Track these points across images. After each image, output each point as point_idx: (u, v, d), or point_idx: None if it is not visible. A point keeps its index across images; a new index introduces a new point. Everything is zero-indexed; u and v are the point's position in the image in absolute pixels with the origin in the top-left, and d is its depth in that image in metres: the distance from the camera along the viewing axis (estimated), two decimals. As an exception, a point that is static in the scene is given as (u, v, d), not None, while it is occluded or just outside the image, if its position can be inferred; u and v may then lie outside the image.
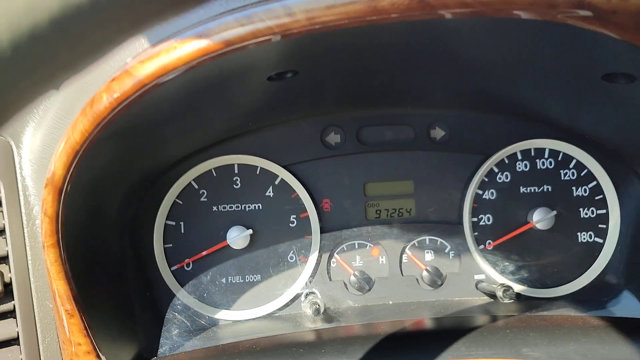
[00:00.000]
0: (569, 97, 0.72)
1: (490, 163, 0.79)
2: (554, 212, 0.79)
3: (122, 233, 0.73)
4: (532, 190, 0.80)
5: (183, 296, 0.76)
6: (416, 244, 0.80)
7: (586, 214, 0.81)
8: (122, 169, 0.68)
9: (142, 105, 0.51)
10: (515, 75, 0.67)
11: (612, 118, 0.72)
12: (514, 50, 0.60)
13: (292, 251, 0.79)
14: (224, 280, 0.78)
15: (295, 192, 0.78)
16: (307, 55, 0.58)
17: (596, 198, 0.81)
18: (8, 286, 0.60)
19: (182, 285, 0.77)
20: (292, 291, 0.78)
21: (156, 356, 0.69)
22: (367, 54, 0.60)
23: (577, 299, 0.78)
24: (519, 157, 0.81)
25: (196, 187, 0.78)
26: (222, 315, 0.77)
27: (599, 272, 0.80)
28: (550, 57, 0.60)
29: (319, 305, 0.72)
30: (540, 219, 0.78)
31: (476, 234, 0.80)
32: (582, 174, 0.81)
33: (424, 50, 0.62)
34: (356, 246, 0.80)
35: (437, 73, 0.69)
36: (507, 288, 0.73)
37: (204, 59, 0.45)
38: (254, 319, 0.77)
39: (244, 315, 0.77)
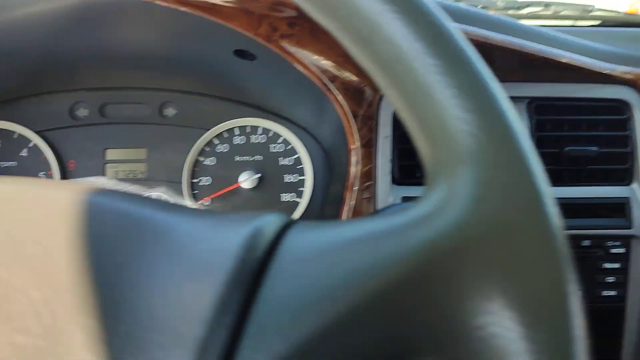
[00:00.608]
0: (255, 82, 0.93)
1: (208, 135, 0.98)
2: (258, 175, 0.97)
3: None
4: (246, 159, 0.99)
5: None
6: (145, 198, 0.98)
7: (289, 179, 0.99)
8: None
9: None
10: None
11: (277, 98, 0.92)
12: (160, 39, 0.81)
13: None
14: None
15: (44, 154, 0.97)
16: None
17: (298, 167, 0.99)
18: None
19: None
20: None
21: None
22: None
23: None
24: (237, 132, 1.00)
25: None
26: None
27: (296, 223, 0.97)
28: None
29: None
30: (244, 179, 0.96)
31: (196, 192, 0.98)
32: (287, 148, 1.00)
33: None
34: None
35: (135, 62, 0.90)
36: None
37: None
38: None
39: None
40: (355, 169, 0.80)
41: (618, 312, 0.83)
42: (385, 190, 0.81)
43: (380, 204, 0.81)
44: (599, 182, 0.84)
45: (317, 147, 0.98)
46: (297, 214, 0.97)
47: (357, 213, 0.79)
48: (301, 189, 0.98)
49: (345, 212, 0.80)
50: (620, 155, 0.84)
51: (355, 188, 0.79)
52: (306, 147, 0.98)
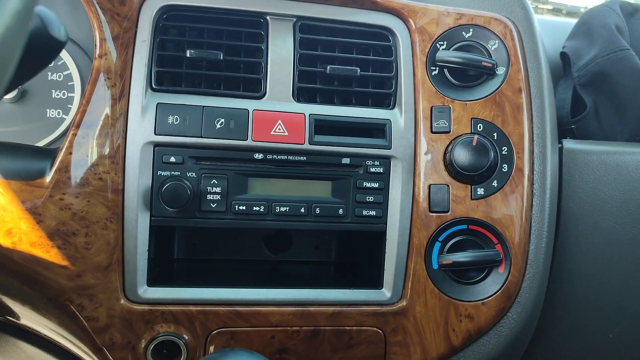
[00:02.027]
0: None
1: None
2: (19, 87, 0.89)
3: None
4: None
5: None
6: None
7: (57, 95, 0.92)
8: None
9: None
10: None
11: None
12: None
13: None
14: None
15: None
16: None
17: (68, 83, 0.92)
18: None
19: None
20: None
21: None
22: None
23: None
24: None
25: None
26: None
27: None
28: None
29: None
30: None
31: (-56, 102, 0.88)
32: (58, 63, 0.93)
33: None
34: None
35: None
36: None
37: None
38: None
39: None
40: (99, 62, 0.75)
41: (379, 234, 0.84)
42: (139, 94, 0.77)
43: (132, 107, 0.76)
44: (366, 105, 0.85)
45: (89, 62, 0.92)
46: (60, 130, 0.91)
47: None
48: (69, 105, 0.92)
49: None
50: (385, 80, 0.86)
51: (100, 84, 0.74)
52: (77, 64, 0.92)
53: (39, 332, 0.78)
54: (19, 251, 0.69)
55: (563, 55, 1.13)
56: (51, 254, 0.70)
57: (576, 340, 1.00)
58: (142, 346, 0.76)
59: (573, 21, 1.21)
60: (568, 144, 0.95)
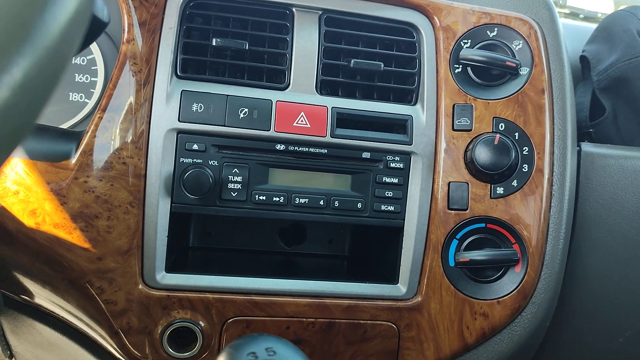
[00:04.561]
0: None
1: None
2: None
3: None
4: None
5: None
6: None
7: (80, 79, 0.92)
8: None
9: None
10: None
11: None
12: None
13: None
14: None
15: None
16: None
17: (92, 68, 0.92)
18: None
19: None
20: None
21: None
22: None
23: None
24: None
25: None
26: None
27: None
28: None
29: None
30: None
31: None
32: (82, 47, 0.93)
33: None
34: None
35: None
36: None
37: None
38: None
39: None
40: (127, 47, 0.75)
41: (397, 229, 0.84)
42: (164, 80, 0.77)
43: (157, 94, 0.77)
44: (387, 101, 0.86)
45: (113, 47, 0.93)
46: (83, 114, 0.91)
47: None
48: (92, 90, 0.92)
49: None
50: (408, 76, 0.86)
51: (127, 68, 0.75)
52: (101, 48, 0.92)
53: (56, 314, 0.78)
54: (42, 232, 0.69)
55: (582, 58, 1.13)
56: (74, 236, 0.71)
57: (586, 343, 1.00)
58: (159, 331, 0.76)
59: (590, 25, 1.21)
60: (586, 147, 0.95)
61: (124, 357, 0.77)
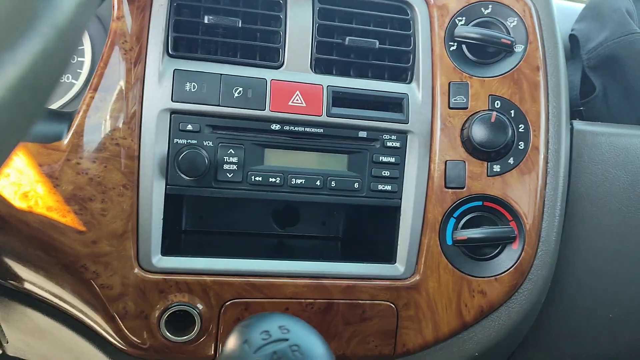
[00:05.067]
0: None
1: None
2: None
3: None
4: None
5: None
6: None
7: (66, 60, 0.89)
8: None
9: None
10: None
11: None
12: None
13: None
14: None
15: None
16: None
17: (79, 48, 0.90)
18: None
19: None
20: None
21: None
22: None
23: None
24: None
25: None
26: None
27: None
28: None
29: None
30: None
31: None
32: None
33: None
34: None
35: None
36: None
37: None
38: None
39: None
40: (117, 24, 0.73)
41: (394, 209, 0.84)
42: (156, 59, 0.75)
43: (149, 73, 0.75)
44: (382, 79, 0.85)
45: (99, 26, 0.90)
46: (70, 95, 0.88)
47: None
48: (79, 70, 0.89)
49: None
50: (403, 53, 0.85)
51: (117, 47, 0.72)
52: (87, 27, 0.89)
53: (49, 300, 0.76)
54: (35, 215, 0.67)
55: (572, 37, 1.13)
56: (67, 219, 0.69)
57: (576, 319, 1.01)
58: (156, 316, 0.74)
59: (577, 5, 1.21)
60: (578, 125, 0.96)
61: (120, 343, 0.75)
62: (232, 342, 0.43)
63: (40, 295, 0.77)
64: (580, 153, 0.95)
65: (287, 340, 0.42)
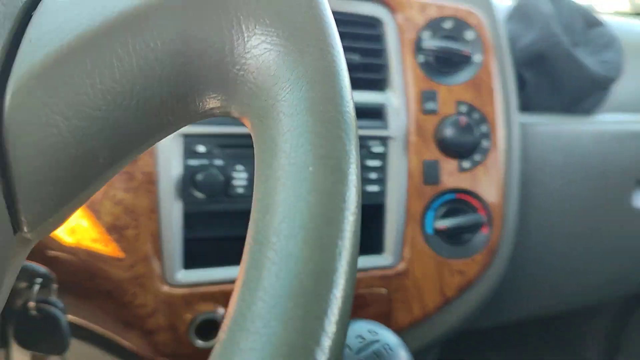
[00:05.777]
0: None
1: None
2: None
3: None
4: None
5: None
6: None
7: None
8: None
9: None
10: None
11: None
12: None
13: None
14: None
15: None
16: None
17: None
18: None
19: None
20: None
21: None
22: None
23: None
24: None
25: None
26: None
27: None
28: None
29: None
30: None
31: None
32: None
33: None
34: None
35: None
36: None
37: None
38: None
39: None
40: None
41: (379, 207, 0.95)
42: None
43: None
44: (361, 89, 0.94)
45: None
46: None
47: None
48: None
49: None
50: (377, 66, 0.95)
51: None
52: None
53: (83, 325, 0.80)
54: (83, 248, 0.71)
55: (503, 37, 1.29)
56: (109, 249, 0.73)
57: (533, 278, 1.19)
58: (185, 326, 0.81)
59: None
60: (520, 119, 1.11)
61: (153, 354, 0.81)
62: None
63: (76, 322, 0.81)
64: (525, 142, 1.11)
65: (379, 341, 0.52)
